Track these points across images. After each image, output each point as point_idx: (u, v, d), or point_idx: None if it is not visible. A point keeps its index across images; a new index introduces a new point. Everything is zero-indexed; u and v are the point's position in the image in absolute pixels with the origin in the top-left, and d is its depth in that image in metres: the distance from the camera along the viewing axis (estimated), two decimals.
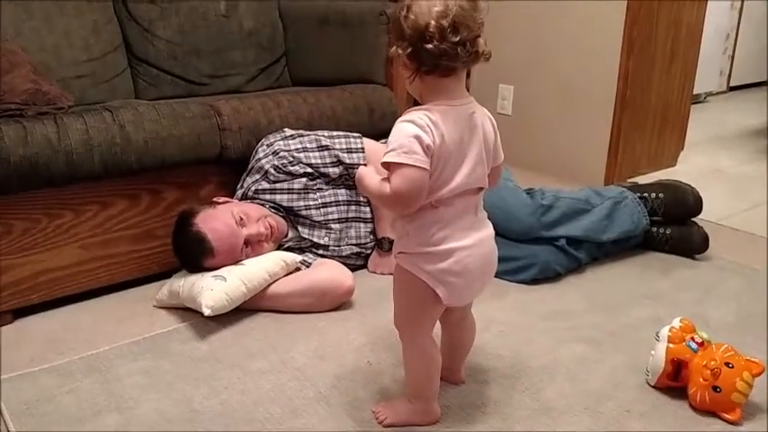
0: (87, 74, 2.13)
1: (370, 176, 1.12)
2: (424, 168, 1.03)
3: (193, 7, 2.35)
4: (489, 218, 1.20)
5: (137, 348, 1.54)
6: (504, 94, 3.05)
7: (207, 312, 1.56)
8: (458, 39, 1.01)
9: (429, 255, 1.11)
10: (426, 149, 1.03)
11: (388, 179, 1.07)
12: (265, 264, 1.70)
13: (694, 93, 3.11)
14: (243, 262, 1.71)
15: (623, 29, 2.56)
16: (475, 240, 1.13)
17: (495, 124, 1.15)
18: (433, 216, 1.10)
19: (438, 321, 1.24)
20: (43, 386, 1.40)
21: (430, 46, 1.01)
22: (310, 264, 1.84)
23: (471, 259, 1.12)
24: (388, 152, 1.05)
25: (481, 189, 1.15)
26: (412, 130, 1.04)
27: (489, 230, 1.18)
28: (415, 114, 1.06)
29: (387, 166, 1.06)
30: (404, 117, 1.07)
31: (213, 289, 1.59)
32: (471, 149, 1.10)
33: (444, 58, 1.02)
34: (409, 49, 1.03)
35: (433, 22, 1.00)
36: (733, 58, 5.15)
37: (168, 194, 1.87)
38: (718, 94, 5.11)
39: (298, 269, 1.79)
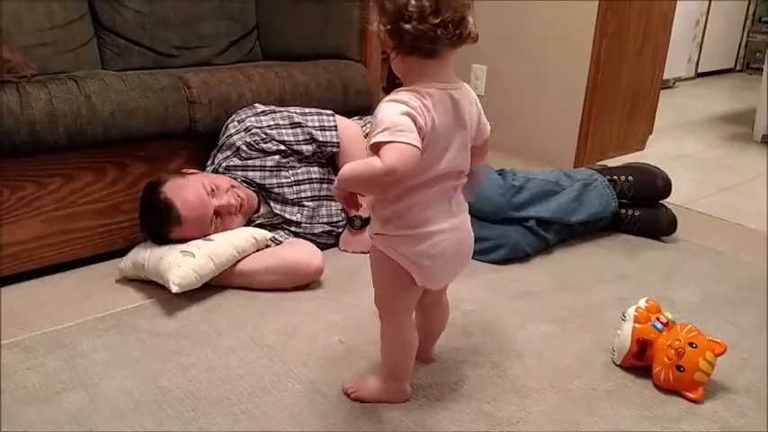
0: (50, 42, 2.05)
1: (351, 164, 1.04)
2: (419, 148, 0.98)
3: None
4: None
5: (102, 324, 1.52)
6: (477, 73, 3.04)
7: (174, 289, 1.54)
8: (438, 20, 0.95)
9: (406, 237, 1.09)
10: (419, 131, 0.99)
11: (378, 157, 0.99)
12: (234, 240, 1.68)
13: (663, 78, 3.15)
14: (212, 237, 1.68)
15: (597, 13, 2.56)
16: (451, 225, 1.11)
17: (478, 101, 1.12)
18: (413, 199, 1.07)
19: None
20: (4, 361, 1.36)
21: (408, 26, 0.96)
22: (281, 242, 1.82)
23: (447, 243, 1.11)
24: (379, 132, 0.97)
25: (461, 173, 1.12)
26: (405, 110, 0.99)
27: (466, 215, 1.16)
28: (405, 95, 1.01)
29: (377, 147, 0.98)
30: (393, 97, 1.01)
31: (181, 265, 1.57)
32: (456, 136, 1.07)
33: (423, 40, 0.97)
34: (388, 27, 0.99)
35: (413, 1, 0.95)
36: (702, 44, 5.23)
37: (135, 168, 1.83)
38: (686, 79, 5.18)
39: (267, 246, 1.77)
